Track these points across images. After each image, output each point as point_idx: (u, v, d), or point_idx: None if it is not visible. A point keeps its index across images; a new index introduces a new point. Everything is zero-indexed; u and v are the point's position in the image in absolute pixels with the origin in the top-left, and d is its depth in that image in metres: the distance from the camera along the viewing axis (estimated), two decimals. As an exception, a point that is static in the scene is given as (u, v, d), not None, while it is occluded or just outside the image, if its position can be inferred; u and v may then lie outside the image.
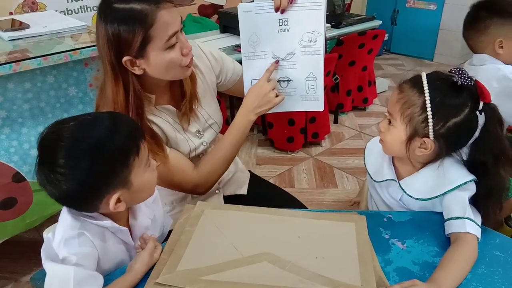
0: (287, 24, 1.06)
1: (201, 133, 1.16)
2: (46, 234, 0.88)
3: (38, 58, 1.42)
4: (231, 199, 1.27)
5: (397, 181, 1.02)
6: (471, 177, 0.93)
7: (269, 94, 1.07)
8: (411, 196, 0.99)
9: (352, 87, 3.14)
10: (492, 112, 0.90)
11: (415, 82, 0.92)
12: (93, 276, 0.76)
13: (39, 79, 1.49)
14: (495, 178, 0.91)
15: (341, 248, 0.87)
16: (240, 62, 1.18)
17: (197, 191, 1.13)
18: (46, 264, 0.76)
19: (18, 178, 1.55)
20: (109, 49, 0.93)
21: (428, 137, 0.91)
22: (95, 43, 1.53)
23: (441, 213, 0.95)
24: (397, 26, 4.58)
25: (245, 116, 1.10)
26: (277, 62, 1.09)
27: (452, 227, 0.89)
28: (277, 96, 1.09)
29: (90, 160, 0.73)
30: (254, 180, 1.39)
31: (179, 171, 1.07)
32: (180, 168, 1.08)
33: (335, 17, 2.91)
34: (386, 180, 1.05)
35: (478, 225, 0.89)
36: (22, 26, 1.70)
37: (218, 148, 1.13)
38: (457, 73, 0.88)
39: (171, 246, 0.87)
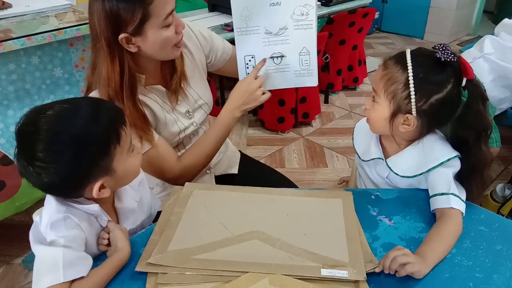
0: None
1: (191, 113, 1.16)
2: (35, 217, 0.87)
3: (22, 38, 1.39)
4: (222, 179, 1.28)
5: (384, 159, 1.03)
6: (455, 153, 0.94)
7: (256, 92, 1.08)
8: (397, 174, 1.00)
9: (342, 66, 3.13)
10: (475, 88, 0.90)
11: (399, 58, 0.92)
12: (82, 257, 0.76)
13: (24, 60, 1.47)
14: (476, 154, 0.92)
15: (329, 224, 0.89)
16: (229, 41, 1.17)
17: (176, 182, 1.12)
18: (35, 247, 0.76)
19: (5, 161, 1.54)
20: (106, 26, 0.91)
21: (411, 114, 0.91)
22: (80, 23, 1.51)
23: (427, 190, 0.97)
24: (387, 4, 4.54)
25: (230, 113, 1.11)
26: (264, 60, 1.10)
27: (437, 203, 0.91)
28: (264, 93, 1.10)
29: (70, 154, 0.72)
30: (245, 160, 1.39)
31: (164, 160, 1.07)
32: (165, 157, 1.07)
33: (325, -5, 2.86)
34: (373, 159, 1.05)
35: (462, 200, 0.90)
36: (4, 5, 1.66)
37: (202, 142, 1.13)
38: (440, 49, 0.88)
39: (161, 227, 0.88)
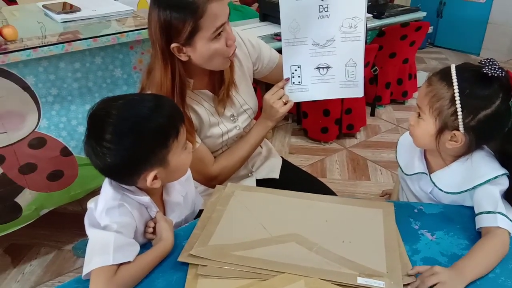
0: (327, 10, 1.07)
1: (236, 117, 1.20)
2: (89, 204, 0.94)
3: (88, 40, 1.50)
4: (263, 183, 1.31)
5: (428, 174, 1.01)
6: (503, 171, 0.91)
7: (273, 105, 1.13)
8: (441, 190, 0.98)
9: (391, 79, 3.08)
10: None
11: (444, 74, 0.91)
12: (131, 243, 0.81)
13: (88, 60, 1.58)
14: None
15: (367, 233, 0.89)
16: (278, 50, 1.20)
17: (210, 183, 1.19)
18: (89, 231, 0.82)
19: (65, 152, 1.65)
20: (161, 35, 0.98)
21: (458, 130, 0.90)
22: (140, 27, 1.61)
23: (473, 207, 0.94)
24: (442, 19, 4.41)
25: (263, 123, 1.20)
26: (287, 79, 1.14)
27: (482, 221, 0.88)
28: (286, 103, 1.14)
29: (133, 139, 0.79)
30: (287, 166, 1.41)
31: (202, 162, 1.13)
32: (204, 159, 1.14)
33: (377, 7, 2.84)
34: (417, 173, 1.04)
35: (510, 220, 0.87)
36: (73, 9, 1.80)
37: (238, 147, 1.20)
38: (487, 64, 0.86)
39: (204, 223, 0.92)
